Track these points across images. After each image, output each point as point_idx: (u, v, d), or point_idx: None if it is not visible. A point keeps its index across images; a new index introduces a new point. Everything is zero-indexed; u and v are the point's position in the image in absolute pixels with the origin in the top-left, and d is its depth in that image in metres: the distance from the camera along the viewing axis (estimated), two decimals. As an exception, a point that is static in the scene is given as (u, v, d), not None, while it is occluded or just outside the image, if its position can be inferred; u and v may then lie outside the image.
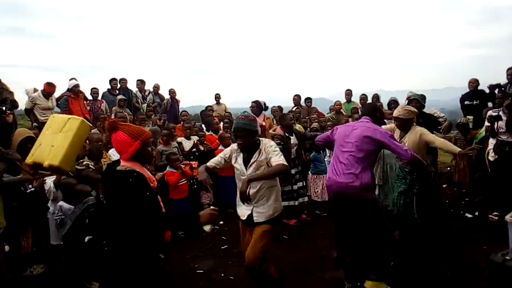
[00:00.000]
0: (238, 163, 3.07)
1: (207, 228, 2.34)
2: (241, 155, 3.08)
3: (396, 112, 4.28)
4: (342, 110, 8.36)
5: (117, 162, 2.37)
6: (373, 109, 3.78)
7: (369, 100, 8.37)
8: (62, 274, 3.82)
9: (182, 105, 9.54)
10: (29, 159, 2.89)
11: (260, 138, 3.09)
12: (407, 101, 7.43)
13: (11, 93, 6.22)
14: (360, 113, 7.45)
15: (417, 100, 5.53)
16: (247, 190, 2.73)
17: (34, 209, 3.78)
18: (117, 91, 8.13)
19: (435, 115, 6.26)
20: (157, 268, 2.34)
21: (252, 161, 2.99)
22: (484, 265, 3.33)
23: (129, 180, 2.15)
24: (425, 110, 6.07)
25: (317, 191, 5.78)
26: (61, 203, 3.77)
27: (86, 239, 2.26)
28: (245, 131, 2.94)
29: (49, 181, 3.88)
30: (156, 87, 8.85)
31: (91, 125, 3.17)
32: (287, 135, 5.42)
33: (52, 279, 3.80)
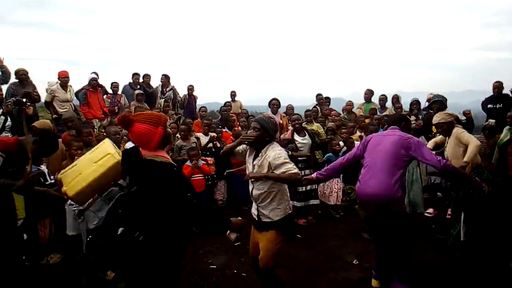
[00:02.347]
0: (249, 161, 3.11)
1: (232, 236, 2.36)
2: (253, 153, 3.08)
3: (435, 119, 4.12)
4: (357, 111, 8.26)
5: (135, 152, 2.30)
6: (399, 119, 3.71)
7: (389, 101, 8.23)
8: (78, 264, 3.90)
9: (198, 102, 9.61)
10: (60, 174, 2.78)
11: (273, 142, 3.03)
12: (427, 102, 7.33)
13: (34, 86, 6.35)
14: (378, 113, 7.40)
15: (441, 102, 5.42)
16: (254, 178, 2.93)
17: (53, 199, 3.84)
18: (138, 86, 8.22)
19: (457, 118, 6.13)
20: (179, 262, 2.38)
21: (254, 162, 3.01)
22: (504, 272, 3.25)
23: (171, 173, 2.19)
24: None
25: (325, 193, 5.70)
26: (78, 194, 3.83)
27: (119, 231, 2.24)
28: (259, 124, 2.96)
29: (67, 172, 3.94)
30: (161, 79, 8.89)
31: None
32: (294, 137, 5.44)
33: (68, 268, 3.87)
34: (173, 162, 2.29)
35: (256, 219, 3.10)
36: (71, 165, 2.77)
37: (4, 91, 5.78)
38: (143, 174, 2.26)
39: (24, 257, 3.79)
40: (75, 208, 3.79)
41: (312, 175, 3.66)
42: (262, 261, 3.01)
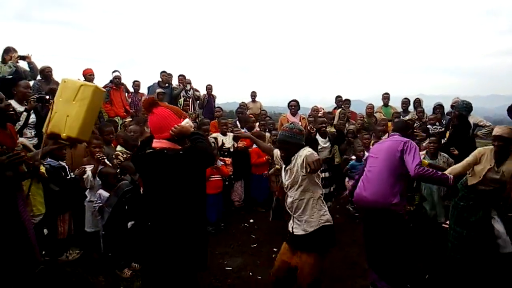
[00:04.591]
0: (283, 169, 3.02)
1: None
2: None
3: (498, 130, 3.62)
4: (377, 115, 8.11)
5: (146, 145, 2.34)
6: (403, 126, 3.77)
7: (411, 105, 8.08)
8: (95, 260, 3.95)
9: (217, 101, 9.64)
10: (45, 128, 2.85)
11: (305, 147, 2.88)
12: (451, 107, 7.15)
13: (57, 83, 6.46)
14: (401, 117, 7.24)
15: (458, 109, 5.30)
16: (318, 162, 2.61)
17: (73, 194, 3.91)
18: (167, 84, 8.33)
19: (481, 123, 5.98)
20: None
21: (287, 168, 2.89)
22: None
23: (180, 160, 2.17)
24: (470, 118, 5.82)
25: None
26: (100, 191, 3.87)
27: (129, 225, 2.29)
28: (287, 143, 2.82)
29: (87, 170, 4.00)
30: (188, 82, 8.96)
31: (104, 90, 3.07)
32: (316, 137, 5.37)
33: (86, 265, 3.91)
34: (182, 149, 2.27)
35: (291, 230, 2.94)
36: (51, 116, 2.82)
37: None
38: (148, 166, 2.28)
39: (43, 252, 3.86)
40: (95, 205, 3.84)
41: (345, 192, 3.81)
42: (302, 284, 2.84)
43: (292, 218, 2.95)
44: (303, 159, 2.70)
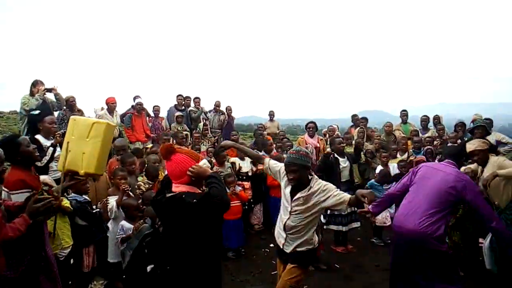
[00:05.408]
0: (286, 191, 3.10)
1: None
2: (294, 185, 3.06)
3: (469, 146, 3.88)
4: (396, 132, 8.02)
5: (165, 188, 2.44)
6: (458, 152, 3.61)
7: (431, 122, 7.96)
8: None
9: (234, 115, 9.69)
10: (60, 167, 3.03)
11: (312, 175, 3.05)
12: (471, 124, 7.00)
13: (82, 112, 6.69)
14: (420, 135, 7.11)
15: (484, 128, 5.22)
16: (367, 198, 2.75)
17: (97, 228, 4.01)
18: (183, 107, 8.53)
19: (504, 140, 5.91)
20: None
21: (298, 196, 2.97)
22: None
23: (195, 208, 2.25)
24: (492, 135, 5.74)
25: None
26: (122, 222, 3.96)
27: (148, 268, 2.37)
28: (295, 165, 2.93)
29: (112, 200, 4.10)
30: (217, 105, 9.09)
31: (115, 124, 3.35)
32: (336, 156, 5.28)
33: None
34: (198, 196, 2.34)
35: (281, 246, 3.12)
36: (64, 155, 2.99)
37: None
38: (167, 212, 2.37)
39: (70, 283, 3.95)
40: (118, 236, 3.93)
41: (368, 207, 3.47)
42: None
43: (284, 237, 3.07)
44: (328, 193, 2.91)
